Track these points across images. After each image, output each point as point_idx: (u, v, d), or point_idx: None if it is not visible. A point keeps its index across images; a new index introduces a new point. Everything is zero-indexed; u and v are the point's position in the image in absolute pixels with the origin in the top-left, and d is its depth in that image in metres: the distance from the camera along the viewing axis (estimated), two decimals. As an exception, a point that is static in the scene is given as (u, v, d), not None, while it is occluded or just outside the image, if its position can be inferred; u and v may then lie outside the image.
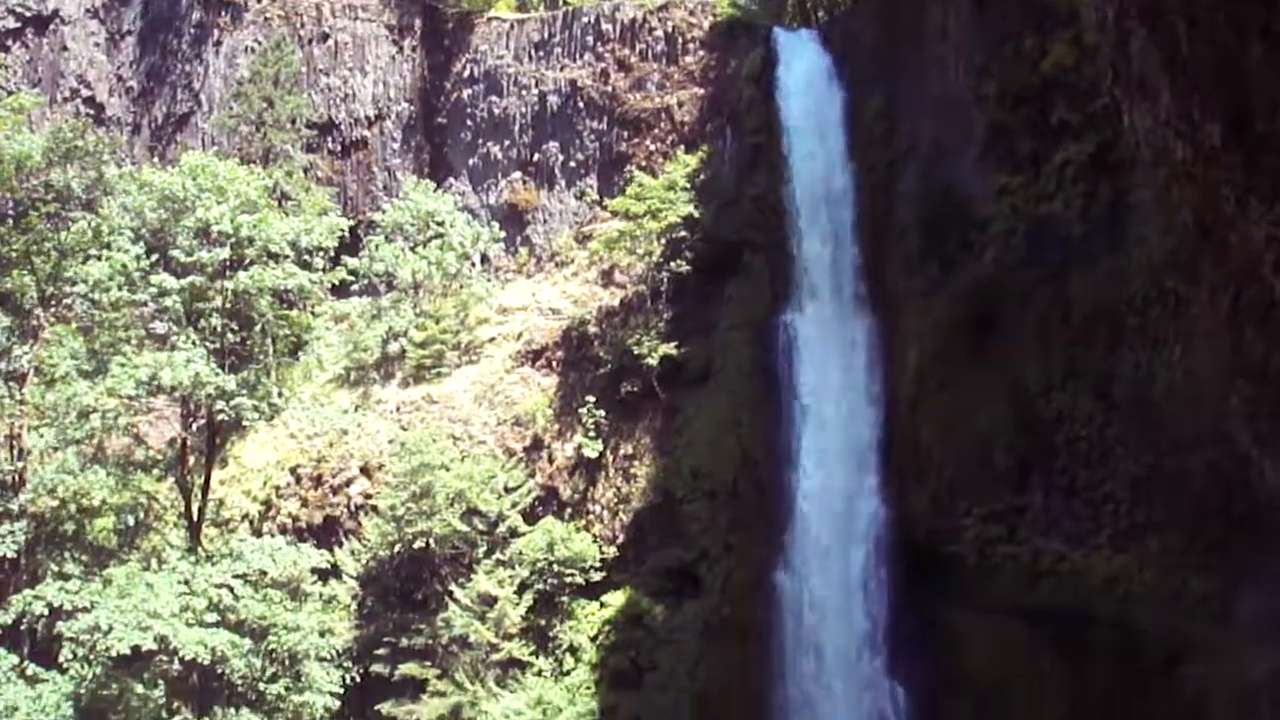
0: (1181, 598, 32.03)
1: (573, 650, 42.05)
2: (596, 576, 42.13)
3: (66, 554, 37.33)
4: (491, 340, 49.17)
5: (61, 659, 34.74)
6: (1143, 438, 32.91)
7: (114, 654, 32.84)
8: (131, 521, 38.72)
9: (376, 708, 40.18)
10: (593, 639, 42.07)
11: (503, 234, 53.25)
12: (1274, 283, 14.70)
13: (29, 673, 35.72)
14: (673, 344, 42.94)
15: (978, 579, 37.08)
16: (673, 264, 43.97)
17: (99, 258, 35.34)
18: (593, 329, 46.01)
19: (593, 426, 43.80)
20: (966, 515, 37.38)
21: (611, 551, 42.79)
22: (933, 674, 36.72)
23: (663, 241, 44.61)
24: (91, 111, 60.66)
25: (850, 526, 38.54)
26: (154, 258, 34.85)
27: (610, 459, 43.66)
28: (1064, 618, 34.71)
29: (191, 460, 37.63)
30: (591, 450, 43.55)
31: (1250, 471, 28.50)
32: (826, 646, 38.44)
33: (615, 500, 43.32)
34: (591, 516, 43.62)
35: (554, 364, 46.71)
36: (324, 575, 41.38)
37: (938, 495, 37.89)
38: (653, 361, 42.88)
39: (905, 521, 38.00)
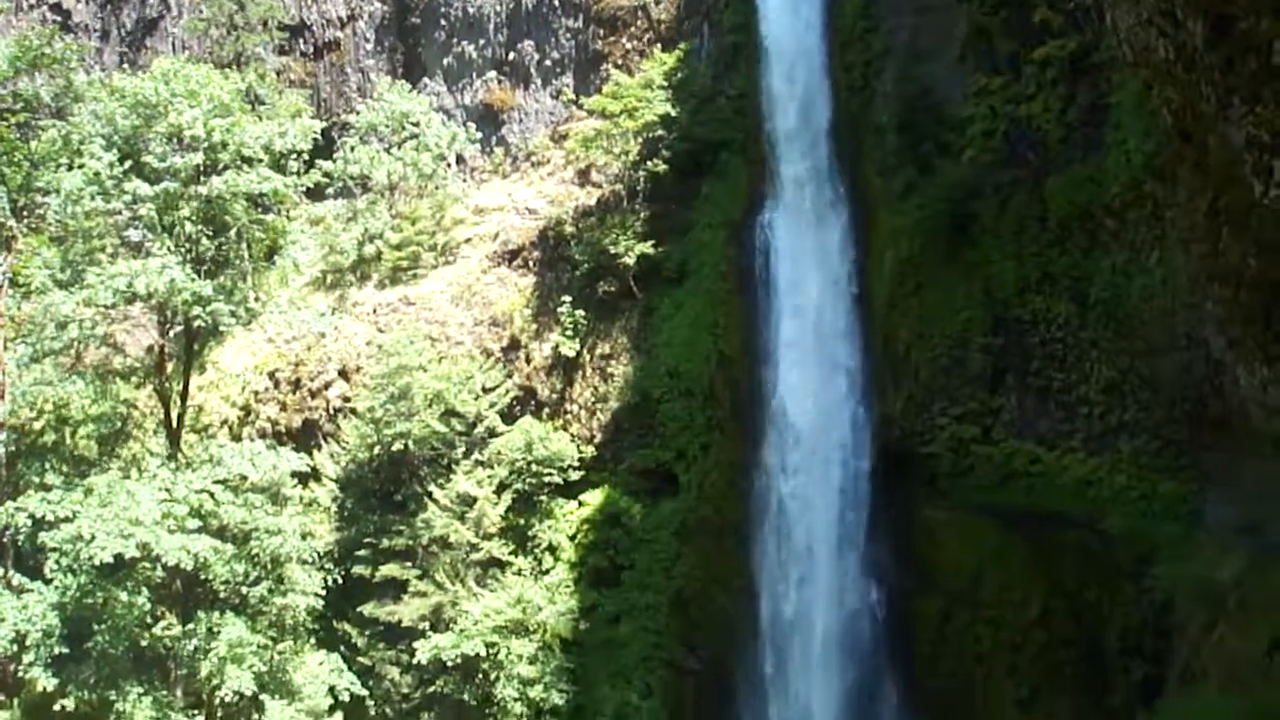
0: (1152, 500, 32.60)
1: (552, 549, 42.44)
2: (575, 476, 42.40)
3: (47, 465, 37.27)
4: (468, 241, 48.92)
5: (46, 569, 34.90)
6: (1117, 341, 33.24)
7: (97, 562, 32.86)
8: (111, 430, 38.64)
9: (358, 609, 40.59)
10: (571, 538, 42.46)
11: (478, 134, 52.69)
12: (1253, 183, 14.71)
13: (14, 583, 35.87)
14: (650, 243, 42.76)
15: (952, 479, 37.58)
16: (649, 163, 43.66)
17: (71, 166, 34.90)
18: (569, 229, 45.81)
19: (570, 326, 43.77)
20: (942, 415, 37.77)
21: (589, 451, 42.99)
22: (908, 572, 37.35)
23: (639, 141, 44.28)
24: (58, 18, 59.47)
25: (827, 426, 38.81)
26: (126, 165, 34.38)
27: (587, 359, 43.73)
28: (1036, 518, 35.29)
29: (169, 367, 37.39)
30: (569, 350, 43.57)
31: (1223, 377, 28.98)
32: (803, 546, 38.91)
33: (593, 400, 43.46)
34: (569, 416, 43.77)
35: (531, 264, 46.55)
36: (304, 479, 41.44)
37: (914, 395, 38.22)
38: (629, 261, 42.78)
39: (882, 421, 38.32)
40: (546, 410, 43.85)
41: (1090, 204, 33.56)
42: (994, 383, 36.86)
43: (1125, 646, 32.26)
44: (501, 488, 41.99)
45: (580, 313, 43.66)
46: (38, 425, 37.91)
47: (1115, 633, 32.53)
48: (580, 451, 42.69)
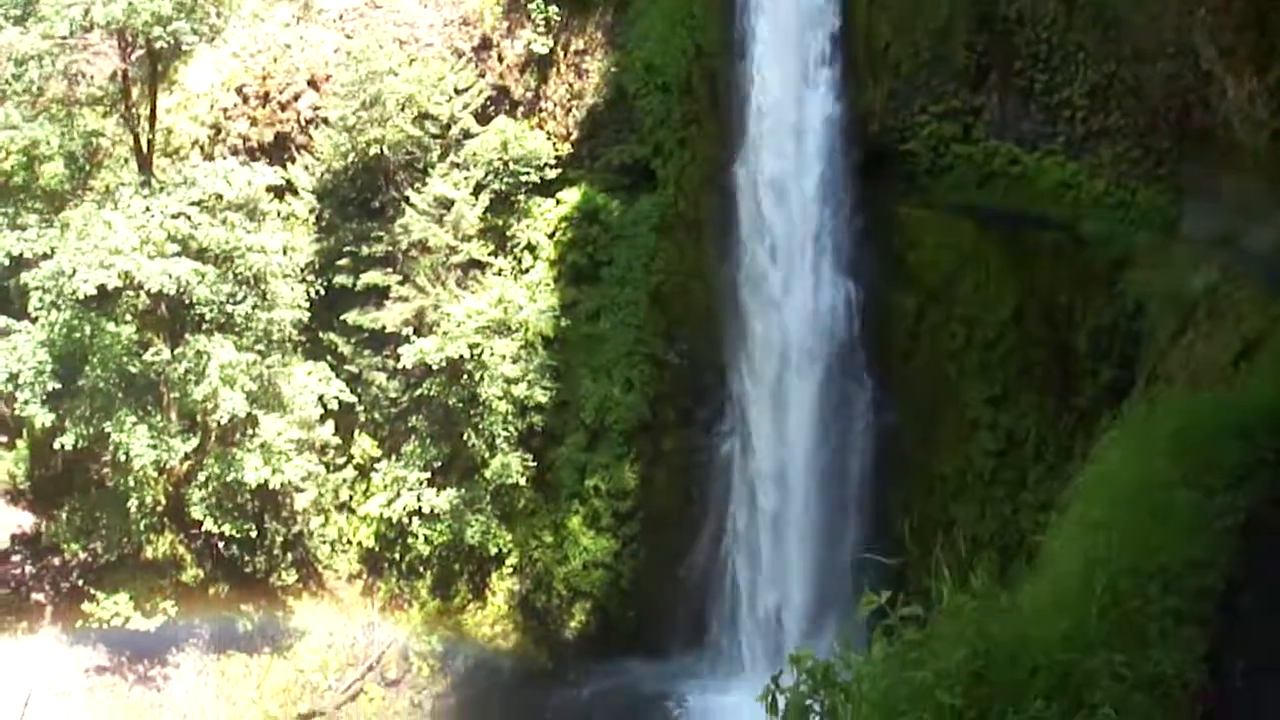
0: (1129, 208, 32.86)
1: (530, 248, 42.56)
2: (551, 174, 41.94)
3: (20, 206, 36.67)
4: (431, -64, 46.66)
5: (30, 309, 35.13)
6: (1104, 45, 32.63)
7: (81, 296, 33.10)
8: (81, 164, 37.81)
9: (342, 317, 41.00)
10: (550, 236, 42.50)
11: None
12: None
13: (1, 326, 35.99)
14: (622, -67, 41.04)
15: (931, 177, 37.58)
16: None
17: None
18: (537, -83, 43.73)
19: (542, 22, 42.19)
20: (922, 113, 37.43)
21: (565, 149, 42.41)
22: (883, 269, 37.78)
23: None
24: None
25: (804, 120, 38.30)
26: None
27: (561, 55, 42.53)
28: (1013, 219, 35.58)
29: (135, 92, 36.48)
30: (542, 47, 42.24)
31: (1210, 88, 28.66)
32: (780, 240, 39.07)
33: (568, 97, 42.60)
34: (544, 114, 42.96)
35: (499, -44, 44.65)
36: (279, 193, 40.94)
37: (894, 91, 37.74)
38: (601, -48, 41.14)
39: (860, 117, 37.89)
40: (521, 109, 42.96)
41: (1082, -102, 32.33)
42: (976, 81, 36.37)
43: (1095, 350, 33.11)
44: (478, 189, 41.62)
45: (553, 9, 42.02)
46: (6, 166, 37.05)
47: (1086, 336, 33.32)
48: (556, 149, 42.11)
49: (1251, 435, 13.08)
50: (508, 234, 42.36)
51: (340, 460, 42.05)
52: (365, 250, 40.82)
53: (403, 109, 40.54)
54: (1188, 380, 28.11)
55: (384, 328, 40.62)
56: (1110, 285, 32.61)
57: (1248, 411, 14.30)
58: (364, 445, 42.03)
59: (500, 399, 40.37)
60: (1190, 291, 29.68)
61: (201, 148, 41.78)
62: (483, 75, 42.77)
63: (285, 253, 38.23)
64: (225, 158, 39.28)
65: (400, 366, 40.23)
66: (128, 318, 35.08)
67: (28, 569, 39.27)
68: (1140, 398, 29.20)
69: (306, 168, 42.12)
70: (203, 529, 38.31)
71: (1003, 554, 32.66)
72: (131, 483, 35.64)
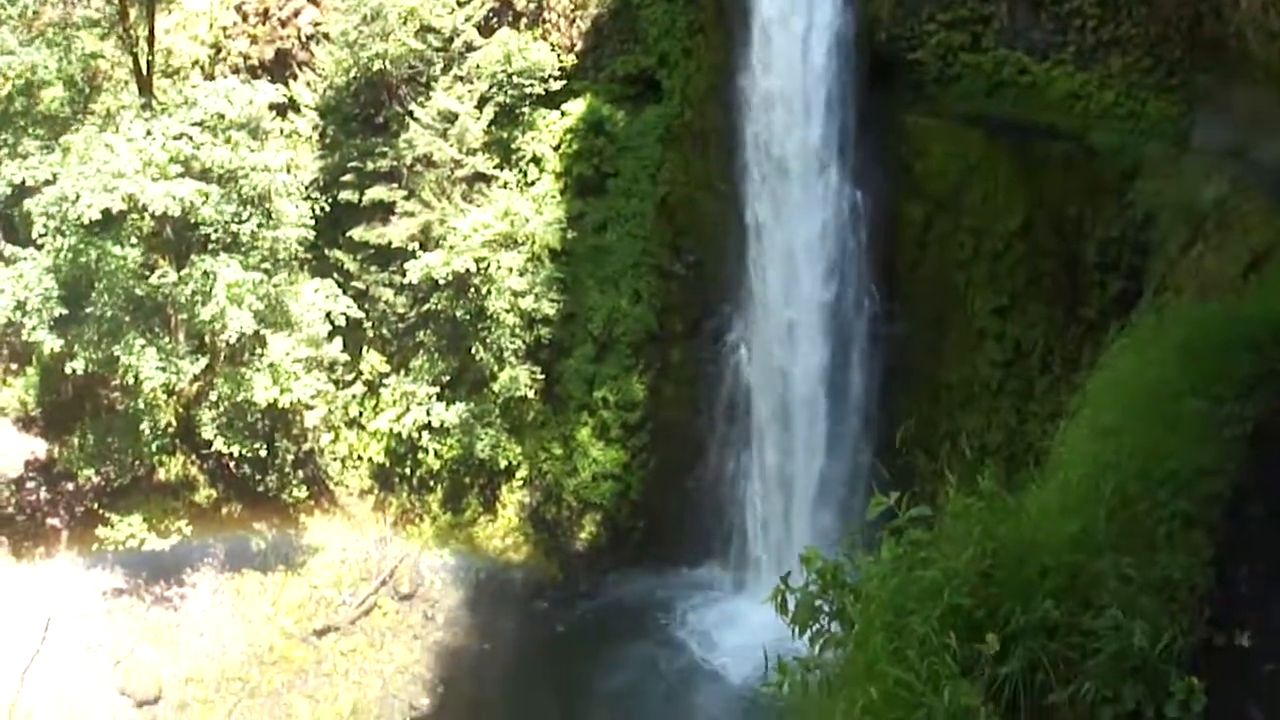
0: (1139, 119, 32.68)
1: (536, 161, 42.33)
2: (556, 86, 41.56)
3: (20, 133, 36.36)
4: None
5: (34, 236, 34.94)
6: (1114, -44, 32.30)
7: (85, 221, 32.90)
8: (81, 88, 37.43)
9: (348, 234, 40.88)
10: (555, 148, 42.26)
11: None
12: None
13: (6, 254, 35.82)
14: None
15: (939, 86, 37.27)
16: None
17: None
18: None
19: (543, -68, 41.89)
20: (930, 21, 37.09)
21: (570, 60, 42.02)
22: (891, 179, 37.57)
23: None
24: None
25: (810, 28, 37.83)
26: None
27: (564, -36, 42.13)
28: (1022, 129, 35.33)
29: (133, 13, 36.01)
30: (544, -43, 41.90)
31: (1223, -1, 28.27)
32: (786, 150, 38.81)
33: (571, 7, 42.06)
34: (548, 25, 42.50)
35: None
36: (282, 111, 40.63)
37: (902, -1, 37.33)
38: None
39: (867, 25, 37.48)
40: (524, 20, 42.45)
41: None
42: (986, -13, 36.02)
43: (1103, 261, 33.06)
44: (482, 102, 41.30)
45: (555, -84, 41.65)
46: (4, 93, 36.67)
47: (1094, 247, 33.26)
48: (560, 61, 41.71)
49: (1260, 347, 13.13)
50: (513, 147, 42.10)
51: (349, 377, 42.11)
52: (370, 166, 40.56)
53: (404, 22, 40.03)
54: (1196, 291, 28.14)
55: (390, 243, 40.50)
56: (1120, 196, 32.50)
57: (1256, 323, 14.32)
58: (372, 361, 42.10)
59: (508, 312, 40.36)
60: (1200, 203, 29.60)
61: (202, 67, 41.38)
62: (485, -13, 42.29)
63: (289, 171, 37.94)
64: (226, 77, 38.91)
65: (407, 282, 40.18)
66: (133, 241, 34.75)
67: (42, 495, 39.45)
68: (1149, 308, 29.21)
69: (308, 84, 41.82)
70: (214, 449, 38.44)
71: (1008, 464, 32.82)
72: (142, 405, 35.69)
